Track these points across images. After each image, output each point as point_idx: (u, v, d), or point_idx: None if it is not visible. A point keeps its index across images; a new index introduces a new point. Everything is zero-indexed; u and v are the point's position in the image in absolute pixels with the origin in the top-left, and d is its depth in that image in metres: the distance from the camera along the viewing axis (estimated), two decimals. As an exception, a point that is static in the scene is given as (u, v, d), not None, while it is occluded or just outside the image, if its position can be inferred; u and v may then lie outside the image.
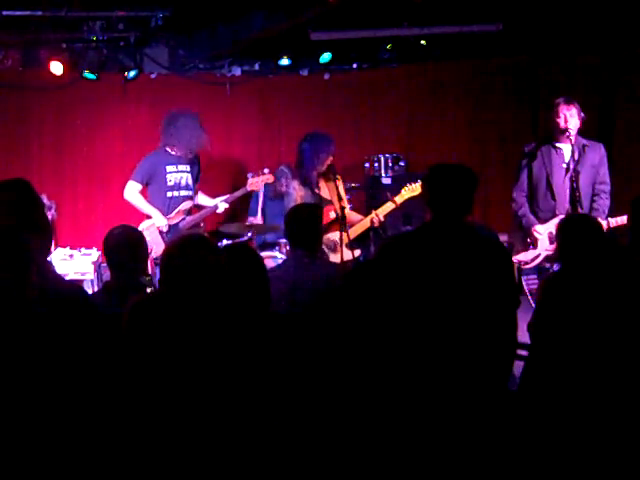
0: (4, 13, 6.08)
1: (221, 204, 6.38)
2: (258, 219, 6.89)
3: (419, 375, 2.93)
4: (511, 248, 6.04)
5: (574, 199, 5.59)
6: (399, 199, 6.04)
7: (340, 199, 5.78)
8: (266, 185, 7.05)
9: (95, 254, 6.26)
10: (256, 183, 6.44)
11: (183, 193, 6.31)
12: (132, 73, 7.39)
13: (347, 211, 5.63)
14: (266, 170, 6.51)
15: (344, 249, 5.38)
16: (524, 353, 5.63)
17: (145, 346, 2.61)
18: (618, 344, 3.49)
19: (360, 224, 5.84)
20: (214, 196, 6.63)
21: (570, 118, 5.65)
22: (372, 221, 5.89)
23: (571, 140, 5.64)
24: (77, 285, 4.21)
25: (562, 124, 5.66)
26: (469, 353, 3.13)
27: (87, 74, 7.24)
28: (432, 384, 2.97)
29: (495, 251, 3.42)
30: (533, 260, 5.82)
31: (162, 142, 6.34)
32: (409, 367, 2.86)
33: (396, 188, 6.22)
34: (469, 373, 3.09)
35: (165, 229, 6.13)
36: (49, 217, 6.22)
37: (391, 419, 2.50)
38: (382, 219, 5.91)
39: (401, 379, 2.76)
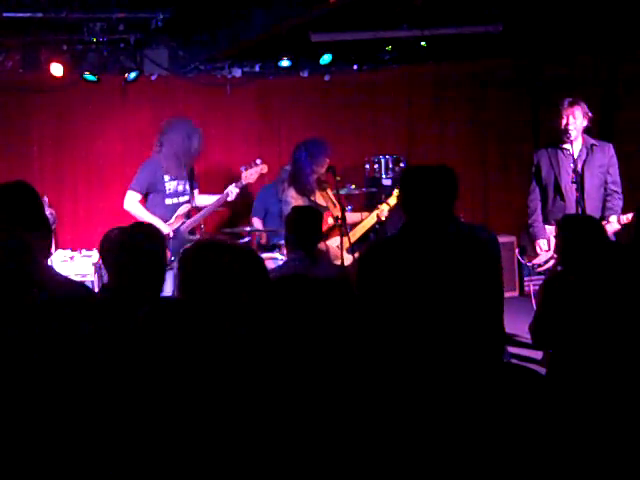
0: (4, 15, 6.08)
1: (233, 189, 6.33)
2: (259, 223, 6.88)
3: (411, 376, 2.93)
4: (524, 251, 6.06)
5: (577, 199, 5.61)
6: (392, 201, 6.08)
7: (335, 205, 5.81)
8: (270, 189, 7.05)
9: (95, 255, 6.26)
10: (250, 175, 6.41)
11: (182, 199, 6.29)
12: (132, 75, 7.40)
13: (346, 213, 5.64)
14: (258, 161, 6.44)
15: (345, 254, 5.40)
16: (525, 353, 5.65)
17: (160, 351, 2.62)
18: (619, 344, 3.49)
19: (365, 222, 5.86)
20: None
21: (573, 120, 5.65)
22: (378, 216, 5.93)
23: (571, 141, 5.65)
24: (80, 283, 4.22)
25: (563, 125, 5.67)
26: (455, 349, 3.13)
27: (87, 76, 7.24)
28: (425, 387, 2.97)
29: (475, 250, 3.41)
30: (547, 262, 5.84)
31: (155, 152, 6.31)
32: (400, 367, 2.86)
33: (396, 190, 6.26)
34: (456, 371, 3.09)
35: (171, 235, 6.10)
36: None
37: (390, 416, 2.51)
38: (387, 214, 5.96)
39: (394, 380, 2.76)
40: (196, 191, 6.49)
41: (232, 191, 6.31)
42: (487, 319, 3.33)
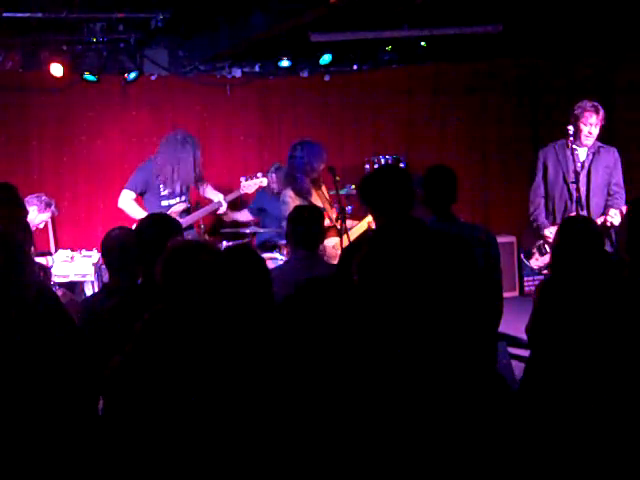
0: (5, 15, 6.07)
1: (224, 202, 6.38)
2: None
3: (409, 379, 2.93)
4: (528, 254, 6.05)
5: (577, 199, 5.61)
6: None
7: (331, 206, 5.79)
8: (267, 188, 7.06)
9: (95, 256, 6.27)
10: (249, 187, 6.51)
11: (178, 200, 6.28)
12: (132, 75, 7.41)
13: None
14: (259, 174, 6.58)
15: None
16: (525, 353, 5.62)
17: (160, 353, 2.63)
18: (612, 346, 3.48)
19: (355, 228, 5.83)
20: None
21: (594, 129, 5.68)
22: (369, 224, 5.90)
23: (585, 145, 5.70)
24: (47, 285, 4.28)
25: (585, 133, 5.67)
26: (450, 349, 3.13)
27: (87, 76, 7.25)
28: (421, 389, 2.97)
29: (450, 244, 3.43)
30: (548, 264, 5.82)
31: (153, 160, 6.29)
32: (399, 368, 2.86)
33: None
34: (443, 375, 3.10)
35: None
36: (49, 214, 6.27)
37: (388, 416, 2.51)
38: None
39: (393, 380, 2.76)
40: (209, 187, 6.50)
41: (223, 204, 6.35)
42: (483, 319, 3.33)
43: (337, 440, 2.32)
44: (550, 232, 5.77)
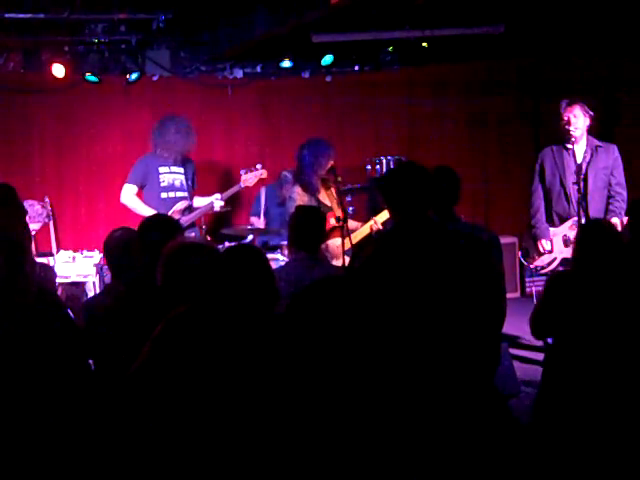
0: (6, 15, 6.09)
1: (216, 202, 6.34)
2: (260, 222, 6.87)
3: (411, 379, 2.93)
4: (527, 253, 6.05)
5: (578, 200, 5.60)
6: (380, 218, 6.02)
7: (339, 205, 5.78)
8: (271, 191, 7.04)
9: (97, 256, 6.26)
10: (249, 179, 6.45)
11: (179, 194, 6.26)
12: (134, 75, 7.41)
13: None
14: (258, 166, 6.51)
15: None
16: (526, 354, 5.63)
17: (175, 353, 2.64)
18: (622, 348, 3.48)
19: (359, 231, 5.83)
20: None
21: (574, 119, 5.66)
22: (371, 228, 5.89)
23: (575, 142, 5.66)
24: (47, 285, 4.29)
25: (565, 126, 5.67)
26: (453, 349, 3.13)
27: (89, 77, 7.25)
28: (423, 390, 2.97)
29: (476, 250, 3.43)
30: (550, 264, 5.82)
31: (152, 146, 6.34)
32: (401, 368, 2.87)
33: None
34: (450, 373, 3.09)
35: None
36: (40, 224, 6.26)
37: (388, 415, 2.52)
38: (380, 226, 5.88)
39: (394, 380, 2.77)
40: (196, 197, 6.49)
41: (216, 203, 6.31)
42: (487, 319, 3.33)
43: (344, 437, 2.33)
44: (545, 245, 5.79)
